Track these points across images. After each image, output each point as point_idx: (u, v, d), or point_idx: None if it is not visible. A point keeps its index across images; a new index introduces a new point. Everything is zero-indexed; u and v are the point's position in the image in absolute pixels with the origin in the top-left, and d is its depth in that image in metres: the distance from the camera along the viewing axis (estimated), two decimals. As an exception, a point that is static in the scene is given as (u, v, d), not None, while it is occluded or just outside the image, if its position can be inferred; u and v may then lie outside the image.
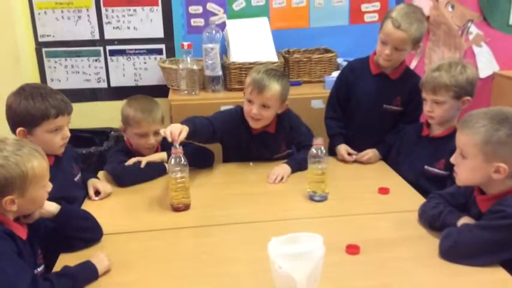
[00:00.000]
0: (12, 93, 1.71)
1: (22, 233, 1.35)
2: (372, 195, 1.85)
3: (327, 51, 2.90)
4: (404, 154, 2.10)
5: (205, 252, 1.50)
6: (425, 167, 1.97)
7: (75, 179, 1.87)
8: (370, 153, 2.18)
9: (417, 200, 1.78)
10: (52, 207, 1.46)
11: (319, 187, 1.80)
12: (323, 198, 1.81)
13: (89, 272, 1.35)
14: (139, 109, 2.04)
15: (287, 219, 1.70)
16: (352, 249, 1.46)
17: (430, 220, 1.56)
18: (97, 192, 1.88)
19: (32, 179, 1.32)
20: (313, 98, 2.59)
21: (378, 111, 2.20)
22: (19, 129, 1.69)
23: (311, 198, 1.81)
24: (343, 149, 2.20)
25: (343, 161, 2.19)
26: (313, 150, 1.78)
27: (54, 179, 1.74)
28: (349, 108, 2.27)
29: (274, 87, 1.99)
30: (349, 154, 2.19)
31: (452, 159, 1.52)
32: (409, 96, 2.17)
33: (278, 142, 2.16)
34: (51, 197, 1.68)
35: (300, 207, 1.78)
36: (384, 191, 1.86)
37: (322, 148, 1.77)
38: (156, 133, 2.03)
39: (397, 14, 2.03)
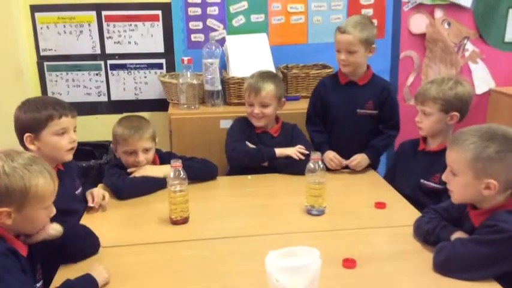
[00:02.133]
0: (17, 107, 1.77)
1: (23, 249, 1.35)
2: (369, 210, 1.87)
3: (324, 67, 2.94)
4: (401, 168, 2.13)
5: (203, 265, 1.51)
6: (421, 180, 2.00)
7: (77, 192, 1.89)
8: (359, 157, 2.26)
9: (413, 214, 1.80)
10: (55, 232, 1.45)
11: (316, 201, 1.82)
12: (320, 213, 1.83)
13: (89, 285, 1.35)
14: (127, 127, 2.08)
15: (285, 233, 1.72)
16: (349, 263, 1.47)
17: (424, 234, 1.58)
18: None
19: (33, 197, 1.30)
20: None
21: (353, 118, 2.33)
22: (26, 135, 1.72)
23: (309, 212, 1.83)
24: (330, 154, 2.28)
25: (335, 167, 2.25)
26: (310, 164, 1.81)
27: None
28: (328, 121, 2.40)
29: (269, 86, 2.25)
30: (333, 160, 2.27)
31: (443, 177, 1.55)
32: (380, 98, 2.31)
33: (278, 146, 2.26)
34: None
35: (297, 221, 1.80)
36: (380, 205, 1.88)
37: (320, 162, 1.80)
38: (146, 150, 2.08)
39: (343, 23, 2.28)
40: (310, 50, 3.06)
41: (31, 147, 1.74)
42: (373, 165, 2.34)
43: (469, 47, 3.19)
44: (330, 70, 2.84)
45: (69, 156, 1.81)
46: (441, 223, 1.56)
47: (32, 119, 1.71)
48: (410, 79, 3.19)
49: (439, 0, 3.07)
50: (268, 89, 2.24)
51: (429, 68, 3.19)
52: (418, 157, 2.08)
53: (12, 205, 1.28)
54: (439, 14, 3.11)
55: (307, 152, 2.14)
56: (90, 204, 1.87)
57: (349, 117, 2.33)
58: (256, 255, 1.31)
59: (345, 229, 1.74)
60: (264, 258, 1.21)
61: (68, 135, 1.77)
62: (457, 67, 3.20)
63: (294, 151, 2.21)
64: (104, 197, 1.90)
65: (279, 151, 2.22)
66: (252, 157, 2.21)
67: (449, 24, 3.14)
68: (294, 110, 2.67)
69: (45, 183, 1.32)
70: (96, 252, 1.56)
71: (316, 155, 1.81)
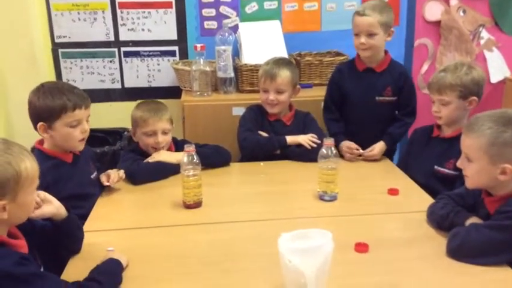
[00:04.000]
0: (32, 90, 1.76)
1: (23, 247, 1.29)
2: (382, 196, 1.87)
3: (338, 54, 2.92)
4: (414, 155, 2.13)
5: (216, 248, 1.53)
6: (435, 167, 1.99)
7: (92, 177, 1.91)
8: (377, 147, 2.25)
9: (426, 200, 1.80)
10: (64, 211, 1.43)
11: (328, 187, 1.82)
12: (333, 198, 1.83)
13: (116, 266, 1.36)
14: (146, 109, 2.13)
15: (297, 217, 1.73)
16: (361, 247, 1.48)
17: (438, 220, 1.58)
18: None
19: (25, 181, 1.23)
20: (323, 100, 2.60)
21: (371, 105, 2.30)
22: (40, 124, 1.73)
23: (321, 198, 1.84)
24: (346, 144, 2.27)
25: (350, 159, 2.25)
26: (323, 150, 1.81)
27: (71, 176, 1.81)
28: (345, 108, 2.37)
29: (285, 73, 2.24)
30: (351, 149, 2.26)
31: (458, 164, 1.54)
32: (398, 84, 2.29)
33: (290, 134, 2.25)
34: (69, 194, 1.72)
35: (309, 206, 1.81)
36: (393, 192, 1.88)
37: (333, 148, 1.80)
38: (164, 132, 2.11)
39: (360, 6, 2.26)
40: (323, 38, 3.04)
41: (44, 135, 1.76)
42: (388, 153, 2.33)
43: (484, 34, 3.15)
44: (344, 57, 2.82)
45: (80, 147, 1.82)
46: (455, 209, 1.55)
47: (46, 109, 1.71)
48: (425, 67, 3.16)
49: (455, -13, 3.03)
50: (284, 75, 2.24)
51: (444, 56, 3.15)
52: (432, 144, 2.07)
53: (6, 196, 1.20)
54: (454, 1, 3.06)
55: (319, 141, 2.14)
56: (105, 183, 1.87)
57: (367, 105, 2.30)
58: (268, 239, 1.32)
59: (357, 214, 1.74)
60: (276, 241, 1.22)
61: (80, 126, 1.77)
62: (472, 55, 3.17)
63: (306, 139, 2.21)
64: (119, 177, 1.92)
65: (290, 139, 2.22)
66: (263, 146, 2.22)
67: (464, 11, 3.09)
68: (307, 97, 2.66)
69: (32, 163, 1.26)
70: (79, 251, 1.51)
71: (329, 141, 1.80)
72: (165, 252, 1.51)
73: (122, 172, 1.94)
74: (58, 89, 1.74)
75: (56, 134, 1.74)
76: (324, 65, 2.83)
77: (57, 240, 1.45)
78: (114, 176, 1.90)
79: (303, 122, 2.32)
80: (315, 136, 2.21)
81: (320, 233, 1.26)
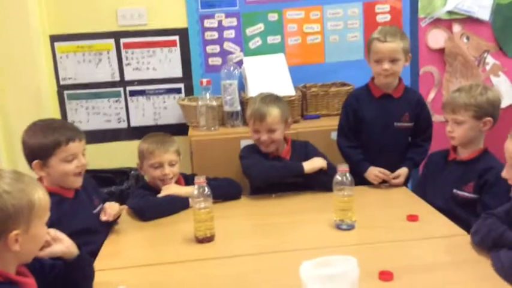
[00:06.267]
0: (24, 130, 1.74)
1: (33, 286, 1.24)
2: (401, 223, 1.79)
3: (343, 84, 2.91)
4: (432, 180, 2.07)
5: (233, 283, 1.46)
6: (454, 191, 1.93)
7: (94, 212, 1.84)
8: (403, 173, 2.19)
9: (447, 225, 1.74)
10: (75, 249, 1.38)
11: (346, 215, 1.75)
12: (350, 227, 1.76)
13: None
14: (153, 141, 2.11)
15: (314, 248, 1.65)
16: (386, 276, 1.40)
17: (488, 239, 1.48)
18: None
19: (38, 210, 1.20)
20: (332, 129, 2.56)
21: (390, 131, 2.26)
22: (34, 162, 1.70)
23: (338, 227, 1.77)
24: (375, 170, 2.20)
25: (379, 181, 2.20)
26: (338, 177, 1.75)
27: (75, 212, 1.76)
28: (362, 135, 2.31)
29: (274, 111, 2.15)
30: (384, 173, 2.20)
31: (504, 174, 1.48)
32: (415, 110, 2.27)
33: None
34: (74, 231, 1.66)
35: (327, 236, 1.74)
36: (412, 218, 1.81)
37: (348, 174, 1.74)
38: (172, 164, 2.07)
39: (378, 33, 2.19)
40: (327, 69, 3.04)
41: (40, 173, 1.72)
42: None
43: (490, 60, 3.15)
44: (350, 87, 2.81)
45: (77, 183, 1.78)
46: (504, 227, 1.46)
47: (39, 146, 1.68)
48: (432, 95, 3.14)
49: (456, 14, 3.05)
50: (274, 113, 2.14)
51: (450, 83, 3.14)
52: (449, 167, 2.01)
53: (20, 226, 1.16)
54: (457, 28, 3.08)
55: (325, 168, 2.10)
56: (102, 218, 1.79)
57: (386, 131, 2.26)
58: (286, 270, 1.29)
59: (378, 242, 1.66)
60: (295, 273, 1.16)
61: (76, 160, 1.73)
62: (478, 81, 3.15)
63: (324, 163, 2.12)
64: (118, 210, 1.84)
65: (308, 166, 2.10)
66: (277, 171, 2.12)
67: (468, 38, 3.10)
68: (314, 127, 2.65)
69: (44, 194, 1.23)
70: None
71: (343, 167, 1.75)
72: (179, 289, 1.44)
73: (116, 205, 1.85)
74: (50, 126, 1.72)
75: (51, 171, 1.71)
76: (330, 96, 2.82)
77: (68, 279, 1.38)
78: (111, 210, 1.81)
79: (304, 154, 2.22)
80: (323, 159, 2.15)
81: (343, 259, 1.19)
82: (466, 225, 1.71)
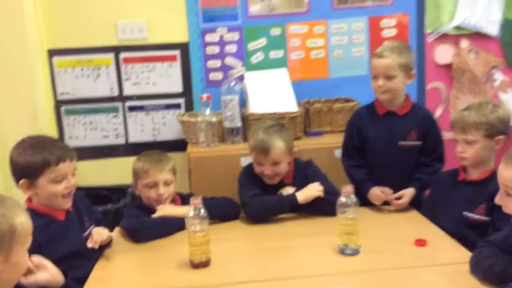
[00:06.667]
0: (13, 146, 1.66)
1: None
2: (409, 248, 1.69)
3: (347, 100, 2.83)
4: (440, 202, 1.96)
5: (228, 313, 1.36)
6: (464, 213, 1.83)
7: (84, 235, 1.75)
8: (407, 194, 2.07)
9: (458, 251, 1.64)
10: (60, 278, 1.30)
11: (350, 239, 1.65)
12: (355, 252, 1.66)
13: None
14: (147, 160, 2.02)
15: (317, 275, 1.55)
16: (393, 308, 1.30)
17: (486, 271, 1.40)
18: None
19: (20, 236, 1.13)
20: (336, 147, 2.47)
21: (395, 150, 2.15)
22: (22, 181, 1.62)
23: (342, 251, 1.67)
24: (377, 190, 2.09)
25: (381, 203, 2.09)
26: (341, 198, 1.66)
27: (65, 235, 1.68)
28: (366, 154, 2.22)
29: (279, 145, 2.03)
30: (386, 193, 2.09)
31: (497, 200, 1.40)
32: (423, 128, 2.15)
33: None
34: (63, 254, 1.59)
35: (330, 262, 1.63)
36: (421, 242, 1.71)
37: (352, 196, 1.65)
38: (167, 184, 1.98)
39: (379, 49, 2.13)
40: (331, 85, 2.96)
41: (28, 192, 1.64)
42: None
43: (498, 76, 3.05)
44: (354, 103, 2.73)
45: (66, 204, 1.70)
46: (506, 258, 1.37)
47: (27, 165, 1.60)
48: (439, 111, 3.05)
49: (464, 30, 2.97)
50: (279, 147, 2.02)
51: (457, 100, 3.05)
52: (458, 188, 1.91)
53: (0, 253, 1.10)
54: (464, 43, 3.00)
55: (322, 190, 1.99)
56: (88, 245, 1.68)
57: (390, 150, 2.15)
58: None
59: (385, 269, 1.56)
60: None
61: (66, 180, 1.65)
62: (486, 97, 3.06)
63: (320, 189, 1.99)
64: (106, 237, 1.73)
65: (302, 196, 1.98)
66: (271, 209, 2.00)
67: (476, 53, 3.02)
68: (317, 145, 2.56)
69: (27, 219, 1.17)
70: None
71: (347, 188, 1.66)
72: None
73: (105, 232, 1.74)
74: (39, 144, 1.64)
75: (39, 191, 1.63)
76: (334, 112, 2.73)
77: None
78: (98, 236, 1.70)
79: (304, 177, 2.10)
80: (319, 185, 2.01)
81: (347, 291, 1.09)
82: (477, 250, 1.61)
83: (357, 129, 2.23)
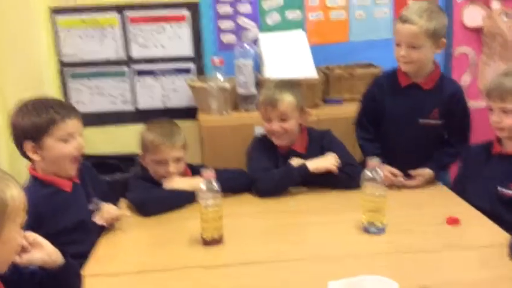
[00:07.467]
0: (14, 111, 1.56)
1: None
2: (440, 227, 1.55)
3: (370, 66, 2.64)
4: (473, 177, 1.81)
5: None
6: (499, 189, 1.68)
7: (89, 207, 1.64)
8: (425, 174, 1.89)
9: (494, 231, 1.51)
10: (58, 257, 1.18)
11: (375, 217, 1.52)
12: (380, 231, 1.52)
13: None
14: (158, 133, 1.86)
15: (339, 256, 1.43)
16: (427, 296, 1.17)
17: None
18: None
19: (12, 212, 1.02)
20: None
21: (414, 127, 1.94)
22: (26, 143, 1.51)
23: (366, 230, 1.53)
24: (385, 170, 1.84)
25: (390, 185, 1.85)
26: (367, 173, 1.51)
27: (68, 207, 1.58)
28: (382, 128, 2.02)
29: (287, 98, 1.91)
30: (394, 175, 1.89)
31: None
32: (448, 106, 1.93)
33: None
34: (66, 227, 1.52)
35: (353, 242, 1.50)
36: (453, 221, 1.56)
37: (379, 170, 1.50)
38: (178, 160, 1.85)
39: (405, 11, 1.88)
40: (352, 49, 2.77)
41: (34, 156, 1.54)
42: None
43: (532, 41, 2.85)
44: (377, 70, 2.54)
45: (72, 171, 1.60)
46: None
47: (32, 126, 1.51)
48: (466, 78, 2.85)
49: (497, -11, 2.75)
50: (287, 100, 1.90)
51: (487, 66, 2.85)
52: (492, 162, 1.76)
53: None
54: (496, 4, 2.78)
55: (338, 164, 1.85)
56: (97, 221, 1.59)
57: (408, 127, 1.94)
58: (307, 285, 1.11)
59: (414, 251, 1.42)
60: (318, 286, 1.00)
61: (74, 140, 1.56)
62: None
63: (333, 162, 1.85)
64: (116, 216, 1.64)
65: (312, 165, 1.84)
66: (281, 182, 1.86)
67: (507, 15, 2.80)
68: (336, 114, 2.40)
69: (19, 192, 1.06)
70: None
71: (374, 161, 1.51)
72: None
73: (114, 210, 1.64)
74: (43, 104, 1.55)
75: (46, 153, 1.53)
76: (356, 78, 2.55)
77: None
78: (108, 215, 1.61)
79: (320, 148, 1.96)
80: (336, 157, 1.87)
81: (380, 281, 0.96)
82: (512, 229, 1.48)
83: (375, 100, 2.02)
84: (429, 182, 1.91)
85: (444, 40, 1.89)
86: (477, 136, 1.99)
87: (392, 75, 2.00)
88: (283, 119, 1.91)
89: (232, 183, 1.84)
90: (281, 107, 1.90)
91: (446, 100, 1.93)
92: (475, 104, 2.59)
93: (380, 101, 2.01)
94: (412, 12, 1.84)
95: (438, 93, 1.93)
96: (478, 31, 2.81)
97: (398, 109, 1.96)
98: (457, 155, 1.98)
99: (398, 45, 1.88)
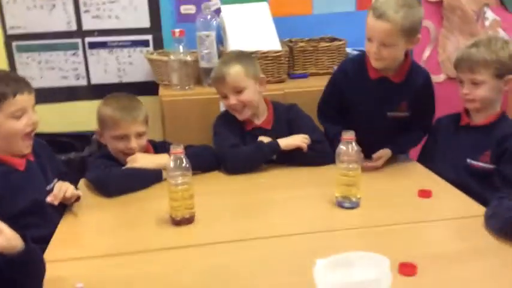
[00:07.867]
0: None
1: None
2: (412, 200, 1.54)
3: (334, 39, 2.60)
4: (441, 149, 1.82)
5: (215, 277, 1.18)
6: (468, 161, 1.70)
7: (48, 188, 1.54)
8: (383, 155, 1.83)
9: (466, 202, 1.51)
10: (18, 242, 1.08)
11: (349, 191, 1.49)
12: (355, 205, 1.50)
13: None
14: (117, 108, 1.75)
15: (315, 231, 1.39)
16: (408, 269, 1.15)
17: (503, 225, 1.27)
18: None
19: None
20: (322, 91, 2.28)
21: (381, 120, 1.85)
22: None
23: (340, 205, 1.50)
24: None
25: None
26: (341, 146, 1.48)
27: (24, 188, 1.48)
28: (349, 117, 1.91)
29: (233, 69, 1.85)
30: None
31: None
32: (416, 96, 1.83)
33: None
34: (21, 210, 1.43)
35: (328, 216, 1.47)
36: (425, 193, 1.56)
37: (354, 144, 1.47)
38: (140, 135, 1.75)
39: (379, 2, 1.69)
40: (315, 22, 2.71)
41: None
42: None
43: (489, 15, 2.88)
44: (341, 43, 2.50)
45: (27, 148, 1.51)
46: None
47: None
48: (427, 52, 2.87)
49: (456, -37, 2.75)
50: (234, 71, 1.83)
51: (447, 40, 2.87)
52: (461, 134, 1.77)
53: None
54: (456, -22, 2.79)
55: (308, 142, 1.81)
56: (47, 199, 1.47)
57: (376, 121, 1.85)
58: (283, 262, 1.10)
59: (390, 224, 1.41)
60: (294, 266, 1.00)
61: (26, 115, 1.47)
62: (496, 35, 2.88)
63: (303, 139, 1.81)
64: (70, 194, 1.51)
65: (284, 142, 1.80)
66: (252, 158, 1.80)
67: (467, -11, 2.82)
68: (301, 88, 2.34)
69: None
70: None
71: (348, 134, 1.47)
72: (152, 285, 1.16)
73: (70, 188, 1.51)
74: None
75: None
76: (320, 52, 2.50)
77: (10, 279, 1.08)
78: (59, 193, 1.48)
79: (287, 122, 1.91)
80: (306, 136, 1.83)
81: (368, 258, 0.92)
82: (481, 200, 1.49)
83: (340, 89, 1.91)
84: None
85: (419, 36, 1.73)
86: (447, 107, 1.97)
87: (361, 64, 1.85)
88: (237, 91, 1.84)
89: (198, 160, 1.75)
90: (229, 80, 1.83)
91: (416, 92, 1.83)
92: (435, 78, 2.62)
93: (345, 92, 1.89)
94: (388, 6, 1.65)
95: (408, 85, 1.82)
96: (438, 4, 2.82)
97: (367, 102, 1.85)
98: (418, 140, 1.94)
99: (369, 40, 1.72)
